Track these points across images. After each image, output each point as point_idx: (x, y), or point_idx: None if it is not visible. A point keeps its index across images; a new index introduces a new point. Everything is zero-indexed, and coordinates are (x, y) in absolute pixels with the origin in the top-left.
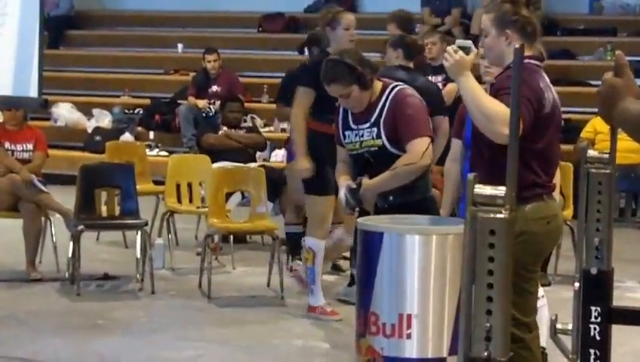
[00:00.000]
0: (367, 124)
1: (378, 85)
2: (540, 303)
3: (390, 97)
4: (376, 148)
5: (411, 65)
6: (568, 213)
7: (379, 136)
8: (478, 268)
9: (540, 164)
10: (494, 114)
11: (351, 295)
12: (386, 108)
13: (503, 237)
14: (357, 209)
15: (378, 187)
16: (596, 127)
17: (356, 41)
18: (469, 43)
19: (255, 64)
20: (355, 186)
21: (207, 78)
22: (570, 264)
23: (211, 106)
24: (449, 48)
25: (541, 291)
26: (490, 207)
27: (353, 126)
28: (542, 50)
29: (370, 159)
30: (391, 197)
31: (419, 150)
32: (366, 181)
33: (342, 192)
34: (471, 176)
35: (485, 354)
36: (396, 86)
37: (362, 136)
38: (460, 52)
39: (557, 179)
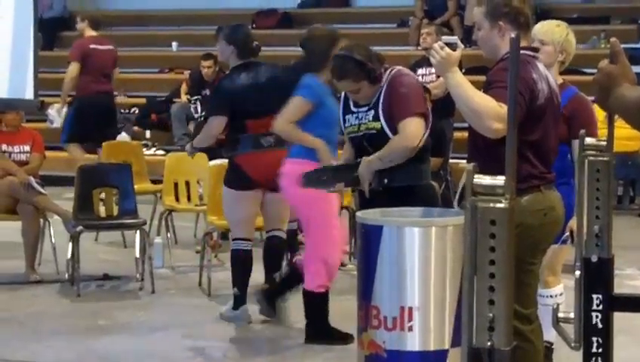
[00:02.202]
0: (366, 107)
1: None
2: (559, 300)
3: (388, 79)
4: (375, 132)
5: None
6: None
7: (377, 118)
8: (480, 258)
9: (535, 155)
10: (483, 109)
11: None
12: (383, 90)
13: (504, 226)
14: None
15: (371, 164)
16: None
17: (349, 35)
18: (454, 39)
19: None
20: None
21: (201, 79)
22: (571, 253)
23: (197, 107)
24: (435, 45)
25: (560, 288)
26: (490, 197)
27: (354, 109)
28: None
29: (366, 144)
30: (385, 180)
31: (408, 130)
32: (364, 158)
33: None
34: (470, 166)
35: (489, 344)
36: (394, 68)
37: (361, 118)
38: (447, 48)
39: None
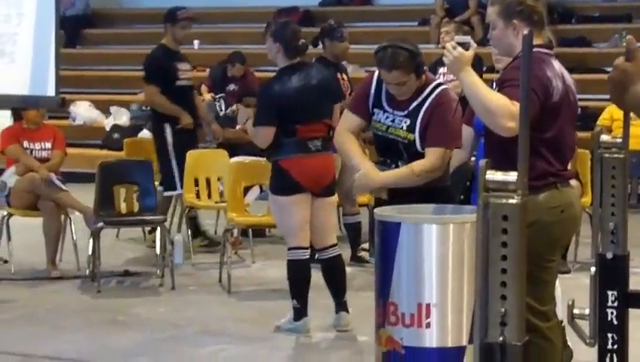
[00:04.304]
0: (402, 113)
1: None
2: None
3: (434, 94)
4: (406, 142)
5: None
6: (586, 199)
7: (411, 130)
8: (492, 254)
9: (551, 152)
10: (496, 107)
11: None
12: (427, 103)
13: (516, 222)
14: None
15: (389, 183)
16: (613, 114)
17: (370, 34)
18: (467, 39)
19: (265, 59)
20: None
21: (224, 75)
22: (590, 251)
23: (221, 105)
24: (448, 45)
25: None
26: (502, 193)
27: (387, 107)
28: (551, 38)
29: (402, 149)
30: None
31: (440, 159)
32: (381, 175)
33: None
34: (483, 162)
35: (501, 338)
36: (441, 84)
37: (393, 121)
38: (459, 48)
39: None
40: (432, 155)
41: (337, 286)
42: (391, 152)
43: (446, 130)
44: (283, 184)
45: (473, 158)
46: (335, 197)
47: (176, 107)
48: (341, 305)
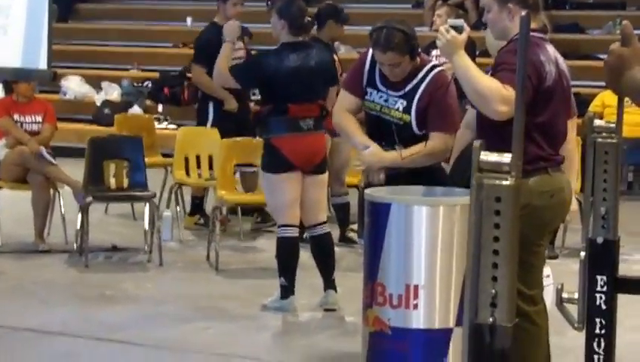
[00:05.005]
0: (398, 94)
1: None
2: (545, 282)
3: (430, 76)
4: (401, 124)
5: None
6: (576, 186)
7: (407, 111)
8: (484, 235)
9: (543, 137)
10: (489, 92)
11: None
12: (423, 85)
13: (509, 203)
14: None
15: (397, 163)
16: (605, 100)
17: (364, 16)
18: (461, 22)
19: (265, 38)
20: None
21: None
22: (578, 237)
23: None
24: (441, 28)
25: (548, 270)
26: (496, 174)
27: (381, 87)
28: (545, 22)
29: (394, 129)
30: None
31: (444, 144)
32: (391, 154)
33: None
34: (477, 143)
35: (490, 320)
36: (437, 66)
37: (387, 101)
38: (452, 31)
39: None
40: (438, 139)
41: (326, 264)
42: (383, 133)
43: (448, 114)
44: (274, 162)
45: None
46: (326, 175)
47: (222, 90)
48: (329, 283)
